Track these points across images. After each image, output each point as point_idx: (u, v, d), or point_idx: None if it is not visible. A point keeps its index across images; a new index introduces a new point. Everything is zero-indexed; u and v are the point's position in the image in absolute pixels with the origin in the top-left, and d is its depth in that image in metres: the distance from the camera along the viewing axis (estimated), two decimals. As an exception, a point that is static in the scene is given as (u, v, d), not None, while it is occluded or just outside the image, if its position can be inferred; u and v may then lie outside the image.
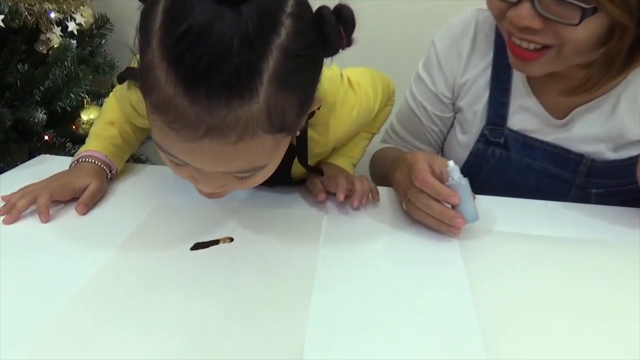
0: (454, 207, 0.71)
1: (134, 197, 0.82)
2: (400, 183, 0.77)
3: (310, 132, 0.74)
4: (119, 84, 0.69)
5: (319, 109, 0.65)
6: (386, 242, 0.73)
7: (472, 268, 0.66)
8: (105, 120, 0.86)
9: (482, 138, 0.94)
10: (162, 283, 0.62)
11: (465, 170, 0.79)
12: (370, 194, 0.81)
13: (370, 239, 0.73)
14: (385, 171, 0.90)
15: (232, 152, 0.51)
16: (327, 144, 0.79)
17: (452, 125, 1.03)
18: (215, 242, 0.70)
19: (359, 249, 0.71)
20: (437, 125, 1.03)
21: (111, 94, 0.90)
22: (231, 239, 0.71)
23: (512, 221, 0.78)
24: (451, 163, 0.71)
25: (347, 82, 0.77)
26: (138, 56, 0.52)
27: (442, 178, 0.71)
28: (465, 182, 0.71)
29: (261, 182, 0.61)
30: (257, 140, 0.50)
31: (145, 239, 0.70)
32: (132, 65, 0.64)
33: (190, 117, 0.47)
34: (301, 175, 0.85)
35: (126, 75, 0.63)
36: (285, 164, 0.72)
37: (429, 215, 0.71)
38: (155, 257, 0.66)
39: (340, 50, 0.56)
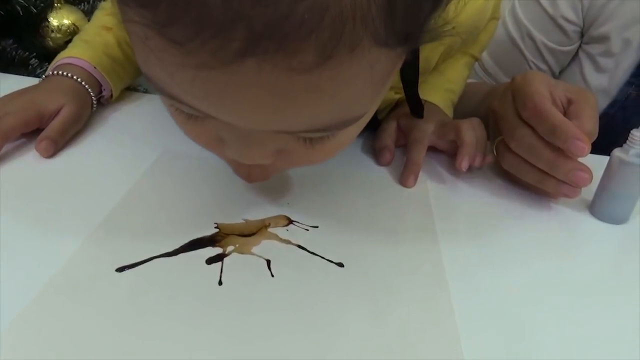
0: (604, 189, 0.48)
1: (129, 139, 0.53)
2: (499, 116, 0.51)
3: None
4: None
5: None
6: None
7: None
8: (97, 24, 0.62)
9: (637, 79, 0.68)
10: (182, 288, 0.34)
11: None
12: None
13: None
14: (473, 110, 0.65)
15: (305, 89, 0.25)
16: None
17: (572, 62, 0.76)
18: (259, 227, 0.41)
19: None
20: (546, 63, 0.78)
21: None
22: (289, 220, 0.42)
23: None
24: None
25: None
26: None
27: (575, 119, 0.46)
28: None
29: (343, 148, 0.36)
30: (360, 61, 0.25)
31: (146, 207, 0.42)
32: None
33: (213, 8, 0.22)
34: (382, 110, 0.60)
35: None
36: None
37: (529, 166, 0.48)
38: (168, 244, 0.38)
39: None
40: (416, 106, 0.54)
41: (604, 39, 0.69)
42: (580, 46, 0.74)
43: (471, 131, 0.52)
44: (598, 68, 0.72)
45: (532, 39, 0.76)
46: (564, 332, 0.35)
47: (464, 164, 0.50)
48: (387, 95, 0.58)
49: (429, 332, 0.33)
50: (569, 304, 0.38)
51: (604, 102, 0.71)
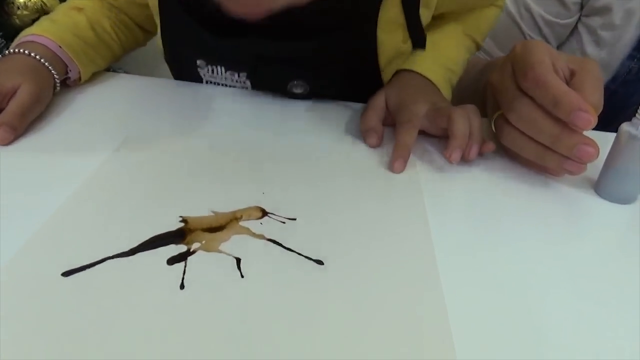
0: (610, 166, 0.45)
1: (95, 122, 0.49)
2: (498, 89, 0.48)
3: None
4: None
5: None
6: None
7: None
8: (68, 5, 0.59)
9: (639, 52, 0.65)
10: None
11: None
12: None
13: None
14: (471, 83, 0.62)
15: None
16: None
17: (571, 36, 0.72)
18: (229, 220, 0.36)
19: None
20: (544, 37, 0.74)
21: None
22: (263, 212, 0.38)
23: None
24: None
25: None
26: None
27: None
28: None
29: None
30: None
31: (102, 199, 0.38)
32: None
33: None
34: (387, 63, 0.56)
35: None
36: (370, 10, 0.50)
37: (530, 141, 0.44)
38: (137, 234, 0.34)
39: None
40: (417, 35, 0.52)
41: (605, 10, 0.65)
42: (579, 19, 0.70)
43: (464, 121, 0.48)
44: (598, 42, 0.68)
45: (530, 12, 0.71)
46: (568, 317, 0.32)
47: (454, 157, 0.46)
48: (395, 44, 0.53)
49: (420, 341, 0.29)
50: (572, 288, 0.34)
51: (604, 78, 0.67)
